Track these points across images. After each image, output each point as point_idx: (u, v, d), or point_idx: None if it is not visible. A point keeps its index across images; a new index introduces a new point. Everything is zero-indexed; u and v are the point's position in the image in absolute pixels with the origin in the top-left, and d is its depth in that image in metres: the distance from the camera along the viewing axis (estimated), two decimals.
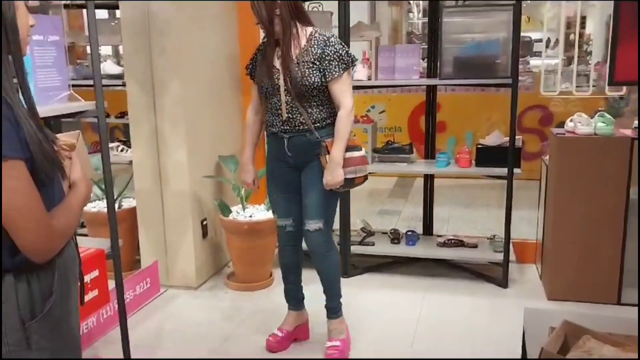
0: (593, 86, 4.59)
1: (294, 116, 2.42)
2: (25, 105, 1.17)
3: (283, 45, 2.36)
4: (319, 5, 5.60)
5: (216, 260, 3.67)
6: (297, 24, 2.39)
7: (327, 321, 2.70)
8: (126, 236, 3.45)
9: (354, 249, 3.55)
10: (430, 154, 3.83)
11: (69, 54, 4.31)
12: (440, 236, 3.73)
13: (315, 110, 2.43)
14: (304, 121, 2.41)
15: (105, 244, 2.15)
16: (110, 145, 3.97)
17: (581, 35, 5.89)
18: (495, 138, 3.43)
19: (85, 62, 4.30)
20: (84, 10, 4.22)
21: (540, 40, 8.64)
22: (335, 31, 3.13)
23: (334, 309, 2.69)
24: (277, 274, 3.52)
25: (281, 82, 2.39)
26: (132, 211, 3.51)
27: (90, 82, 2.05)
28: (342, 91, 2.40)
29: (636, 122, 3.06)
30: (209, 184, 3.53)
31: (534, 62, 6.19)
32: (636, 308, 2.91)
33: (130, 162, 3.46)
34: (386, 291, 3.35)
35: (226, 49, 3.73)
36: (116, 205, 3.55)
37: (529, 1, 8.29)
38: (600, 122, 2.99)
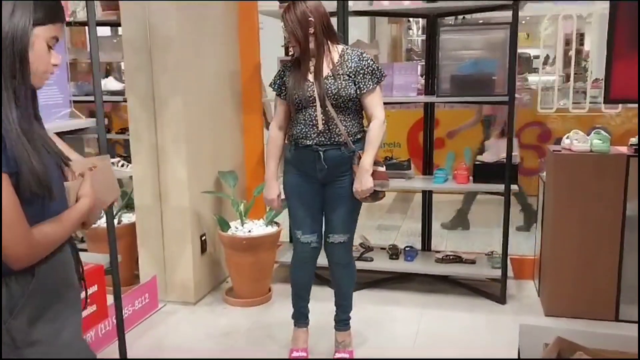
0: (590, 103, 4.63)
1: (330, 128, 2.47)
2: (18, 126, 1.21)
3: (318, 59, 2.46)
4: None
5: (215, 275, 3.68)
6: (329, 42, 2.49)
7: (336, 333, 2.75)
8: (125, 251, 3.46)
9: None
10: (428, 169, 3.85)
11: (71, 70, 4.37)
12: (438, 252, 3.74)
13: (349, 123, 2.50)
14: (339, 133, 2.46)
15: (104, 260, 2.17)
16: (111, 160, 4.00)
17: (579, 52, 5.95)
18: (492, 155, 3.46)
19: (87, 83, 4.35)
20: (86, 27, 4.29)
21: (542, 57, 8.73)
22: None
23: (345, 321, 2.76)
24: (276, 289, 3.56)
25: (316, 94, 2.45)
26: (132, 226, 3.53)
27: (90, 98, 2.08)
28: (375, 104, 2.50)
29: (632, 139, 3.08)
30: (208, 199, 3.55)
31: (532, 78, 6.24)
32: (633, 325, 2.91)
33: (131, 178, 3.49)
34: (384, 307, 3.36)
35: (227, 66, 3.77)
36: (115, 221, 3.58)
37: (527, 18, 8.38)
38: (596, 139, 3.02)
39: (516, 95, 4.85)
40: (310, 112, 2.48)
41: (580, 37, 5.66)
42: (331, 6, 3.28)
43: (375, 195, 2.52)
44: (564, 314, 3.14)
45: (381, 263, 3.63)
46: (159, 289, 3.39)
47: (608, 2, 2.92)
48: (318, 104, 2.45)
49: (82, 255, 2.17)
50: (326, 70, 2.47)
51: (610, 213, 3.00)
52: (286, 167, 2.64)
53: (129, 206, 3.70)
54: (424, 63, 3.97)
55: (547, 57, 8.80)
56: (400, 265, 3.62)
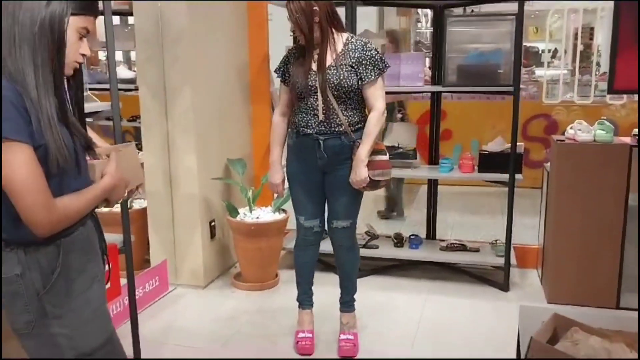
0: (597, 96, 4.66)
1: (331, 117, 2.50)
2: (56, 106, 1.30)
3: (322, 49, 2.46)
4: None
5: (224, 260, 3.76)
6: (333, 30, 2.50)
7: (341, 315, 2.81)
8: (136, 236, 3.53)
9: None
10: (434, 159, 3.90)
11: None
12: (443, 240, 3.80)
13: (350, 113, 2.52)
14: (340, 122, 2.49)
15: (117, 239, 2.25)
16: None
17: (589, 46, 5.95)
18: (497, 144, 3.50)
19: (99, 68, 4.42)
20: (100, 17, 4.36)
21: (547, 51, 8.72)
22: None
23: (349, 302, 2.82)
24: (283, 275, 3.63)
25: (318, 83, 2.47)
26: (143, 212, 3.61)
27: (103, 86, 2.15)
28: (375, 95, 2.50)
29: (635, 130, 3.12)
30: (217, 186, 3.63)
31: (539, 71, 6.25)
32: (633, 312, 2.96)
33: (142, 165, 3.56)
34: (389, 293, 3.42)
35: (236, 58, 3.83)
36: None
37: (537, 12, 8.36)
38: (600, 130, 3.06)
39: (522, 87, 4.90)
40: (311, 101, 2.51)
41: (590, 31, 5.66)
42: None
43: (375, 184, 2.55)
44: (566, 302, 3.18)
45: (386, 251, 3.70)
46: (169, 272, 3.48)
47: None
48: (319, 93, 2.48)
49: None
50: (329, 60, 2.49)
51: (612, 202, 3.05)
52: (288, 154, 2.68)
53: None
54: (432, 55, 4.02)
55: (556, 50, 8.79)
56: (405, 253, 3.68)
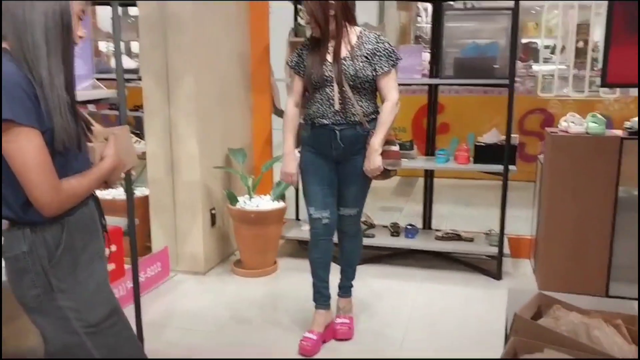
0: (592, 91, 4.74)
1: (347, 107, 2.56)
2: (63, 89, 1.37)
3: (337, 41, 2.53)
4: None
5: (224, 247, 3.84)
6: (347, 23, 2.56)
7: (338, 299, 2.88)
8: (139, 223, 3.62)
9: None
10: (430, 151, 3.97)
11: None
12: (438, 230, 3.88)
13: (365, 103, 2.58)
14: (355, 112, 2.56)
15: (122, 223, 2.33)
16: None
17: (586, 42, 6.03)
18: (492, 136, 3.58)
19: (99, 58, 4.49)
20: (97, 7, 4.44)
21: (547, 47, 8.79)
22: None
23: (347, 288, 2.90)
24: (281, 263, 3.72)
25: (335, 74, 2.54)
26: (145, 199, 3.69)
27: (106, 76, 2.22)
28: (389, 85, 2.58)
29: (627, 122, 3.19)
30: (218, 175, 3.70)
31: (537, 67, 6.32)
32: (622, 300, 3.04)
33: (144, 153, 3.64)
34: (384, 280, 3.51)
35: (238, 47, 3.90)
36: None
37: (537, 8, 8.43)
38: (592, 122, 3.13)
39: (518, 80, 4.95)
40: (327, 92, 2.57)
41: (587, 27, 5.74)
42: None
43: (386, 174, 2.64)
44: (557, 290, 3.22)
45: (383, 240, 3.78)
46: (171, 259, 3.56)
47: None
48: (335, 84, 2.54)
49: None
50: (344, 52, 2.55)
51: (603, 193, 3.12)
52: (303, 145, 2.72)
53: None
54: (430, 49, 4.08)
55: (555, 46, 8.86)
56: (401, 242, 3.77)
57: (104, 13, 4.66)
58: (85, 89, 2.09)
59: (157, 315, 3.05)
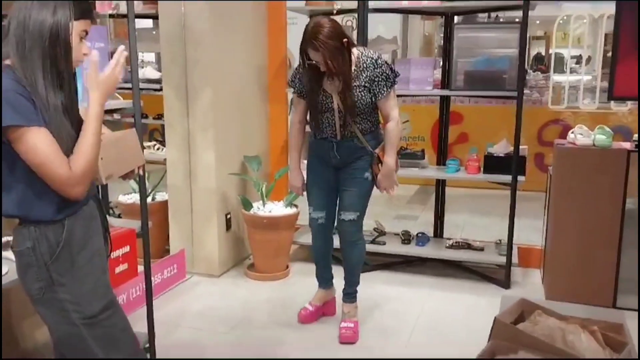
0: (602, 102, 4.74)
1: (346, 128, 2.73)
2: (62, 104, 1.50)
3: (343, 78, 2.59)
4: (353, 19, 5.87)
5: (238, 252, 3.97)
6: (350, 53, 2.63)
7: (343, 304, 3.01)
8: (158, 226, 3.78)
9: (366, 247, 3.77)
10: (443, 161, 4.03)
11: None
12: (449, 239, 3.93)
13: (363, 121, 2.73)
14: (353, 131, 2.72)
15: (136, 225, 2.46)
16: (148, 144, 4.34)
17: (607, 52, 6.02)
18: (502, 147, 3.63)
19: (129, 68, 4.67)
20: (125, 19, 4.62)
21: (573, 57, 8.75)
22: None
23: (351, 294, 3.00)
24: (294, 267, 3.82)
25: (335, 105, 2.68)
26: (164, 204, 3.85)
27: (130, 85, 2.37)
28: (390, 105, 2.72)
29: (635, 135, 3.21)
30: (233, 181, 3.84)
31: (558, 77, 6.31)
32: (629, 312, 3.05)
33: (165, 160, 3.80)
34: (392, 287, 3.58)
35: (255, 60, 4.04)
36: (150, 199, 3.91)
37: (565, 17, 8.40)
38: (600, 135, 3.16)
39: (534, 90, 4.97)
40: (328, 116, 2.72)
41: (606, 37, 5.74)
42: (351, 4, 3.52)
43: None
44: (564, 300, 3.29)
45: (393, 247, 3.85)
46: (187, 261, 3.70)
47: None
48: (336, 112, 2.68)
49: (117, 222, 2.47)
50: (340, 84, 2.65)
51: (610, 205, 3.14)
52: (309, 149, 2.92)
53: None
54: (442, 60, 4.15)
55: (580, 56, 8.80)
56: (411, 250, 3.83)
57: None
58: None
59: (171, 315, 3.18)
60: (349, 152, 2.76)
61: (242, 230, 3.95)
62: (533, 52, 10.52)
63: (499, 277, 3.61)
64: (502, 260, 3.57)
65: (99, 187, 1.97)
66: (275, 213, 3.65)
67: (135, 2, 3.65)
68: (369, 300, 3.29)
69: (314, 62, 2.56)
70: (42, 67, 1.46)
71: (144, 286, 3.08)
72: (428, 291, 3.51)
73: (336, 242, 3.06)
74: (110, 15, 3.52)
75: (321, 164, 2.84)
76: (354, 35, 3.67)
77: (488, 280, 3.65)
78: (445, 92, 3.73)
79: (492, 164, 3.59)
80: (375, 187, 2.86)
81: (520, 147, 3.43)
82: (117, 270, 2.82)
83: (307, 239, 3.98)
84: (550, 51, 7.76)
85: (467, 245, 3.80)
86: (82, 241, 1.61)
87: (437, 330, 3.02)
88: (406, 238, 3.92)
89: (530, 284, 3.64)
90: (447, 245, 3.84)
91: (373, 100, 2.67)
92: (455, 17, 3.93)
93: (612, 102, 4.47)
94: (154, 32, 4.58)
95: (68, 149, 1.49)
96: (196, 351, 2.79)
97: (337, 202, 2.92)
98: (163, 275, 3.45)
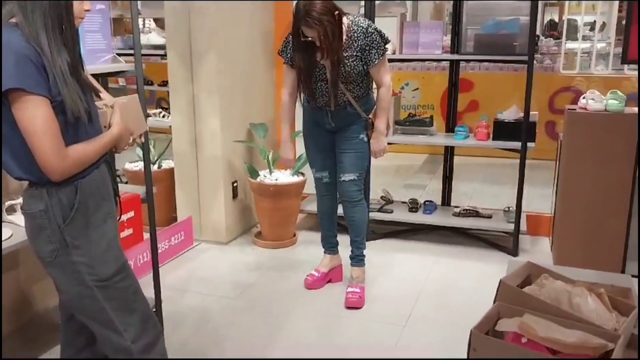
0: (614, 68, 4.63)
1: (339, 96, 2.74)
2: (68, 62, 1.47)
3: (336, 51, 2.58)
4: None
5: (245, 220, 3.97)
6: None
7: (351, 269, 3.03)
8: (165, 194, 3.79)
9: (374, 215, 3.76)
10: (452, 128, 3.97)
11: (120, 26, 4.66)
12: (457, 207, 3.90)
13: (355, 88, 2.75)
14: (346, 100, 2.74)
15: (140, 190, 2.46)
16: (154, 111, 4.31)
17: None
18: (512, 113, 3.57)
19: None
20: None
21: (587, 24, 8.55)
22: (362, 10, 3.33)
23: (358, 257, 3.01)
24: (301, 235, 3.82)
25: (328, 75, 2.67)
26: (171, 172, 3.84)
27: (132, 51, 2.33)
28: (381, 72, 2.74)
29: None
30: (239, 149, 3.82)
31: (570, 45, 6.17)
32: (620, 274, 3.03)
33: (170, 127, 3.78)
34: (400, 254, 3.57)
35: (261, 24, 3.97)
36: (156, 166, 3.90)
37: None
38: (612, 99, 3.09)
39: (546, 56, 4.85)
40: (321, 85, 2.73)
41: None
42: None
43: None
44: (572, 266, 3.27)
45: (400, 215, 3.83)
46: (194, 229, 3.71)
47: None
48: (330, 82, 2.67)
49: (122, 187, 2.46)
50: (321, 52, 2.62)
51: (620, 171, 3.09)
52: (303, 115, 2.93)
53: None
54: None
55: (594, 22, 8.61)
56: (418, 218, 3.81)
57: None
58: (105, 62, 2.20)
59: (178, 281, 3.21)
60: (343, 118, 2.80)
61: (249, 198, 3.94)
62: (546, 19, 10.30)
63: (507, 244, 3.59)
64: (511, 227, 3.54)
65: None
66: (282, 181, 3.63)
67: None
68: (376, 267, 3.29)
69: (309, 38, 2.56)
70: (45, 26, 1.44)
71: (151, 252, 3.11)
72: (435, 258, 3.51)
73: (340, 211, 3.04)
74: None
75: (317, 126, 2.89)
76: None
77: (496, 247, 3.64)
78: (455, 57, 3.66)
79: (502, 130, 3.54)
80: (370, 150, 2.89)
81: (531, 112, 3.37)
82: (122, 235, 2.82)
83: (313, 207, 3.96)
84: (564, 18, 7.57)
85: (475, 213, 3.77)
86: (95, 204, 1.61)
87: (444, 296, 3.02)
88: (413, 206, 3.90)
89: (538, 252, 3.62)
90: (455, 213, 3.81)
91: (365, 68, 2.70)
92: None
93: (625, 67, 4.35)
94: None
95: (77, 106, 1.47)
96: (203, 316, 2.81)
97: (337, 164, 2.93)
98: (170, 242, 3.46)
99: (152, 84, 4.57)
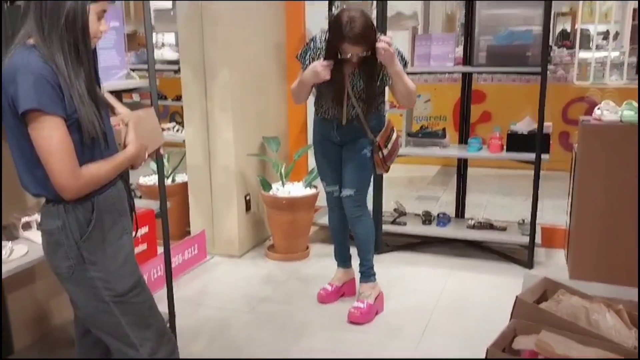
0: (629, 78, 4.59)
1: (350, 112, 2.73)
2: (85, 82, 1.49)
3: (369, 76, 2.63)
4: None
5: (258, 233, 3.97)
6: None
7: (360, 284, 2.99)
8: (178, 208, 3.81)
9: (386, 228, 3.75)
10: (465, 140, 3.96)
11: (133, 41, 4.72)
12: (471, 219, 3.88)
13: (366, 104, 2.72)
14: (355, 113, 2.72)
15: (154, 205, 2.47)
16: (168, 125, 4.35)
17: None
18: (526, 125, 3.55)
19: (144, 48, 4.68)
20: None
21: (600, 33, 8.50)
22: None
23: (364, 273, 2.97)
24: (313, 248, 3.82)
25: (345, 92, 2.67)
26: (184, 185, 3.86)
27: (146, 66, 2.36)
28: None
29: None
30: (252, 162, 3.83)
31: (584, 54, 6.14)
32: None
33: (184, 142, 3.80)
34: (414, 267, 3.55)
35: (273, 38, 4.00)
36: (170, 180, 3.93)
37: None
38: (627, 110, 3.06)
39: (559, 67, 4.83)
40: (333, 98, 2.71)
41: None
42: None
43: (389, 166, 2.86)
44: (589, 280, 3.22)
45: (414, 227, 3.81)
46: (208, 242, 3.72)
47: None
48: (345, 99, 2.67)
49: (137, 202, 2.48)
50: (352, 66, 2.64)
51: (636, 183, 3.05)
52: (314, 127, 2.94)
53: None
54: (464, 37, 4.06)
55: (608, 32, 8.57)
56: (432, 230, 3.79)
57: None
58: (119, 79, 2.23)
59: (192, 294, 3.21)
60: (349, 132, 2.79)
61: (262, 211, 3.95)
62: (558, 29, 10.26)
63: (522, 257, 3.56)
64: (525, 240, 3.51)
65: None
66: (295, 194, 3.64)
67: None
68: (390, 280, 3.27)
69: (348, 56, 2.53)
70: (62, 47, 1.46)
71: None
72: (449, 271, 3.48)
73: None
74: None
75: (326, 139, 2.88)
76: (373, 14, 3.60)
77: (511, 260, 3.60)
78: (467, 69, 3.65)
79: (515, 141, 3.52)
80: (377, 168, 2.83)
81: (545, 124, 3.35)
82: (137, 250, 2.84)
83: (326, 219, 3.94)
84: (576, 27, 7.53)
85: (489, 225, 3.75)
86: (112, 220, 1.62)
87: (459, 310, 2.99)
88: (427, 218, 3.88)
89: (553, 264, 3.58)
90: (469, 225, 3.78)
91: (382, 85, 2.69)
92: None
93: (638, 76, 4.32)
94: (173, 13, 4.57)
95: (92, 127, 1.48)
96: (217, 330, 2.81)
97: None
98: (184, 256, 3.47)
99: (165, 98, 4.61)
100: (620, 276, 3.14)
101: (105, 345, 1.72)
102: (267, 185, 3.68)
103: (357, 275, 3.07)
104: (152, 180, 3.96)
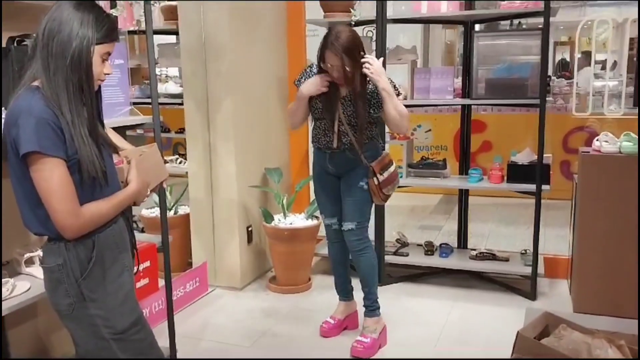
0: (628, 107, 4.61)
1: (341, 138, 2.74)
2: (87, 123, 1.52)
3: (353, 87, 2.63)
4: (373, 30, 5.87)
5: (260, 264, 3.97)
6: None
7: (364, 318, 2.96)
8: (180, 240, 3.81)
9: (389, 258, 3.75)
10: (465, 170, 3.98)
11: (137, 74, 4.79)
12: (473, 250, 3.87)
13: (358, 131, 2.72)
14: (348, 141, 2.72)
15: (156, 239, 2.48)
16: (171, 157, 4.39)
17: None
18: (526, 156, 3.57)
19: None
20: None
21: (598, 62, 8.60)
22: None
23: (369, 307, 2.95)
24: (316, 279, 3.80)
25: (338, 116, 2.69)
26: (186, 217, 3.87)
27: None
28: None
29: None
30: (254, 194, 3.85)
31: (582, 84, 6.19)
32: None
33: (187, 174, 3.83)
34: (417, 299, 3.53)
35: (275, 71, 4.06)
36: (172, 212, 3.94)
37: (589, 22, 8.27)
38: (626, 141, 3.09)
39: (558, 97, 4.88)
40: (326, 124, 2.75)
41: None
42: (371, 14, 3.51)
43: (387, 197, 2.84)
44: (593, 311, 3.20)
45: (416, 258, 3.80)
46: (209, 274, 3.71)
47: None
48: (336, 124, 2.70)
49: (138, 236, 2.49)
50: (344, 91, 2.69)
51: (636, 214, 3.06)
52: (313, 158, 2.96)
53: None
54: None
55: (606, 61, 8.66)
56: (435, 261, 3.77)
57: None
58: (123, 115, 2.26)
59: (193, 328, 3.19)
60: (341, 162, 2.79)
61: (264, 242, 3.95)
62: (557, 58, 10.38)
63: (525, 288, 3.54)
64: (528, 271, 3.49)
65: None
66: (297, 225, 3.65)
67: (155, 17, 3.72)
68: (393, 312, 3.25)
69: (329, 65, 2.58)
70: (66, 89, 1.49)
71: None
72: (452, 303, 3.46)
73: None
74: (133, 32, 3.58)
75: (323, 173, 2.90)
76: (373, 46, 3.67)
77: (514, 291, 3.58)
78: (466, 101, 3.69)
79: (516, 173, 3.53)
80: (373, 197, 2.81)
81: (545, 155, 3.37)
82: (138, 285, 2.84)
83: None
84: (575, 56, 7.62)
85: (491, 256, 3.74)
86: (112, 257, 1.64)
87: (462, 343, 2.96)
88: (429, 249, 3.87)
89: (557, 295, 3.56)
90: (471, 255, 3.78)
91: (373, 112, 2.70)
92: (477, 26, 3.89)
93: (638, 107, 4.35)
94: (176, 48, 4.64)
95: (93, 167, 1.51)
96: None
97: None
98: (185, 289, 3.46)
99: (169, 131, 4.66)
100: (623, 307, 3.14)
101: None
102: (269, 217, 3.69)
103: (360, 307, 3.06)
104: (155, 212, 3.97)
